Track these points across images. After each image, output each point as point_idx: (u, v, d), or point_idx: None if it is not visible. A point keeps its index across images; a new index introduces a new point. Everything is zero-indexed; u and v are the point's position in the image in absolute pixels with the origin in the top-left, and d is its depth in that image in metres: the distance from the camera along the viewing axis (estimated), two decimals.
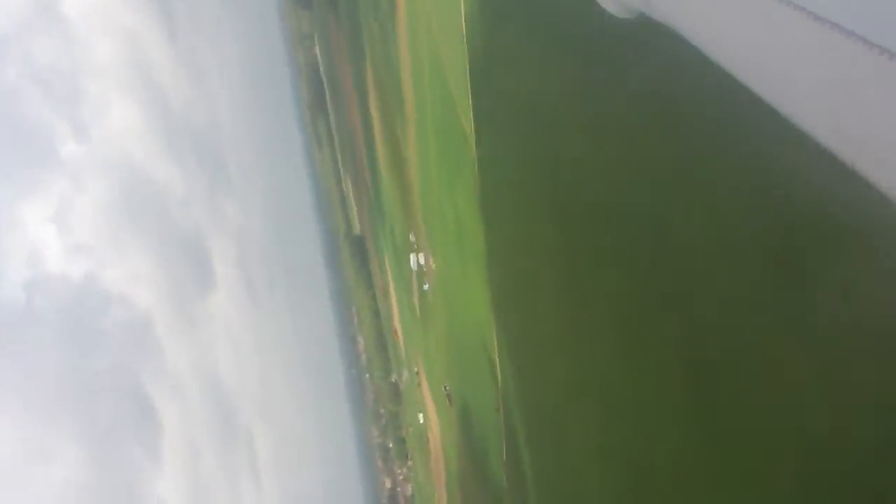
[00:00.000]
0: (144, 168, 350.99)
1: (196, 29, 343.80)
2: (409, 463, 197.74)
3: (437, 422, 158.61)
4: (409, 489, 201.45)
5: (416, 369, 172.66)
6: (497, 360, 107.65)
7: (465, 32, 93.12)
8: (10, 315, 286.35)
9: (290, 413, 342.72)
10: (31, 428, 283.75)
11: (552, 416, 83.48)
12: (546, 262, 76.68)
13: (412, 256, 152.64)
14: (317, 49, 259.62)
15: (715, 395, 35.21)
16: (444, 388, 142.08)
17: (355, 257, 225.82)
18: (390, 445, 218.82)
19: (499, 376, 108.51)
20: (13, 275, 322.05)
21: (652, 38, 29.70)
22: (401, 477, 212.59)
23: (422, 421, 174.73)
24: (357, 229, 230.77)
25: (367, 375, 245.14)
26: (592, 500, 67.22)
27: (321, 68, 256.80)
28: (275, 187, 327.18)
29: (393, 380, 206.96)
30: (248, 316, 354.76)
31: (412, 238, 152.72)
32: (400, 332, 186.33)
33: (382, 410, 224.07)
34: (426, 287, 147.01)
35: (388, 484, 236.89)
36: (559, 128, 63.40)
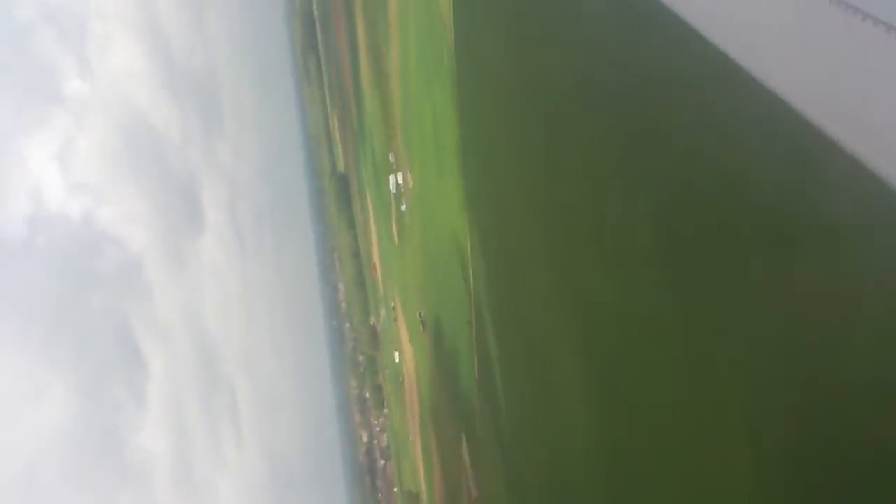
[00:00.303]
0: (144, 110, 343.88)
1: None
2: (385, 411, 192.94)
3: (411, 353, 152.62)
4: (384, 439, 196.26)
5: (392, 304, 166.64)
6: (471, 269, 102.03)
7: None
8: (10, 250, 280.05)
9: (271, 365, 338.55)
10: (26, 365, 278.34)
11: (526, 329, 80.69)
12: (522, 157, 72.15)
13: (391, 178, 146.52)
14: None
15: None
16: (419, 314, 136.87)
17: (339, 196, 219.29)
18: (367, 396, 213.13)
19: (471, 287, 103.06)
20: (16, 210, 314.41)
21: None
22: (377, 428, 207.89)
23: (397, 360, 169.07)
24: (341, 166, 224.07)
25: (347, 324, 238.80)
26: (567, 415, 63.42)
27: (314, 7, 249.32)
28: (266, 131, 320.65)
29: (371, 322, 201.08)
30: (235, 262, 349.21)
31: (392, 158, 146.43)
32: (378, 267, 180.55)
33: (361, 358, 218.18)
34: (403, 208, 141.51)
35: (364, 438, 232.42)
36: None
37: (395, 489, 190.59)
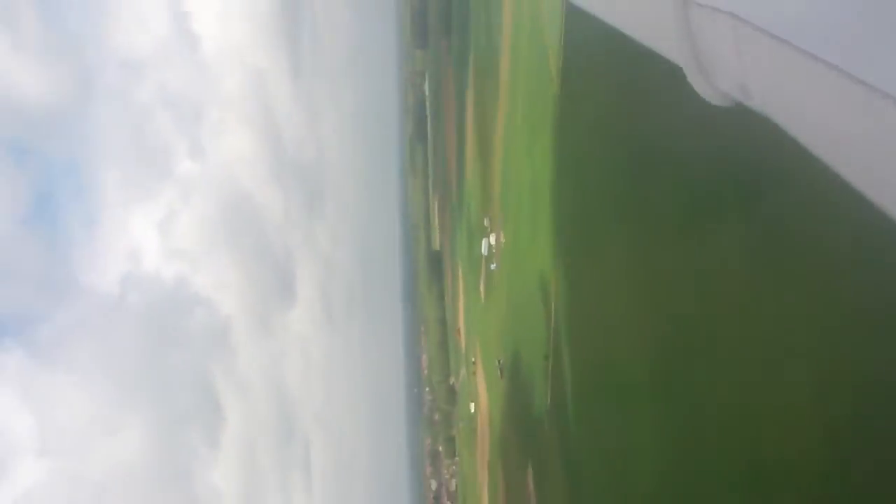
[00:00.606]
0: (250, 192, 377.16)
1: (318, 70, 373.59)
2: (456, 459, 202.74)
3: (486, 400, 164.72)
4: (453, 484, 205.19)
5: (473, 359, 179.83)
6: (553, 305, 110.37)
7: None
8: (104, 305, 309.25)
9: (347, 425, 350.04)
10: (105, 405, 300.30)
11: (603, 360, 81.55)
12: (615, 212, 76.44)
13: (484, 241, 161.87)
14: (426, 84, 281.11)
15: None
16: (498, 361, 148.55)
17: (430, 270, 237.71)
18: (440, 448, 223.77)
19: (552, 322, 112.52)
20: (112, 269, 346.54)
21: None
22: (447, 475, 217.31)
23: (473, 410, 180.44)
24: (436, 244, 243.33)
25: (427, 388, 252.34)
26: (639, 443, 65.90)
27: (427, 101, 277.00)
28: (366, 220, 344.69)
29: (451, 382, 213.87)
30: (322, 334, 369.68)
31: (486, 223, 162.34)
32: (462, 329, 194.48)
33: (437, 416, 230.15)
34: (493, 266, 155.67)
35: (433, 486, 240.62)
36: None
37: None
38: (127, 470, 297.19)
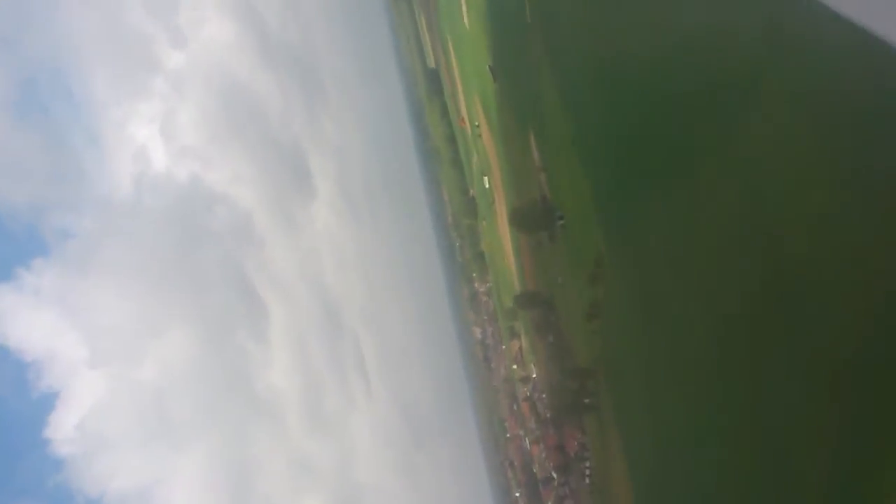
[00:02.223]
0: (244, 81, 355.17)
1: None
2: (489, 278, 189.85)
3: (494, 152, 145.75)
4: (490, 304, 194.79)
5: (476, 123, 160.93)
6: None
7: None
8: (123, 210, 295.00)
9: (392, 312, 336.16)
10: (146, 308, 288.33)
11: None
12: None
13: None
14: None
15: None
16: (489, 67, 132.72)
17: (430, 86, 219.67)
18: (474, 276, 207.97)
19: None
20: (122, 173, 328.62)
21: None
22: (482, 291, 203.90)
23: (487, 185, 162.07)
24: (431, 62, 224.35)
25: (455, 235, 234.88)
26: None
27: None
28: (364, 78, 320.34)
29: (470, 194, 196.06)
30: (348, 222, 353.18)
31: None
32: (460, 87, 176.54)
33: (467, 255, 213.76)
34: None
35: (478, 334, 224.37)
36: None
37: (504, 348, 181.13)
38: (183, 373, 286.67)
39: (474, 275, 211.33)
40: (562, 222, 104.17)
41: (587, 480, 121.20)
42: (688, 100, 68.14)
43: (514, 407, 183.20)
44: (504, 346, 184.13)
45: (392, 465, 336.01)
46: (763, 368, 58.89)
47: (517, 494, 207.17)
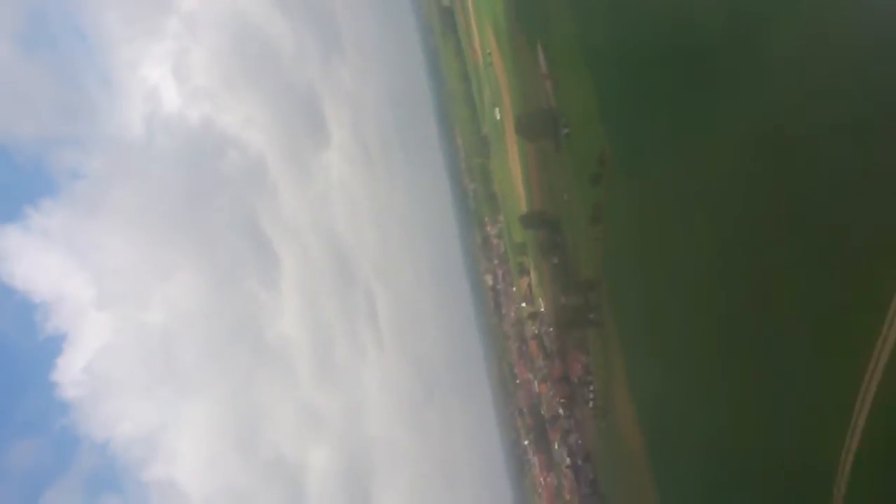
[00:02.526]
0: (256, 23, 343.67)
1: None
2: (500, 217, 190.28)
3: (504, 79, 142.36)
4: (502, 245, 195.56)
5: (488, 51, 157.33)
6: None
7: None
8: (133, 149, 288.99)
9: (405, 264, 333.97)
10: (154, 249, 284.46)
11: None
12: None
13: None
14: None
15: None
16: None
17: (445, 28, 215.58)
18: (486, 220, 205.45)
19: None
20: (133, 111, 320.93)
21: None
22: (493, 233, 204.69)
23: (498, 117, 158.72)
24: (445, 1, 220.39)
25: (468, 179, 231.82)
26: None
27: None
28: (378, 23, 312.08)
29: (483, 133, 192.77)
30: (363, 173, 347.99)
31: None
32: (474, 21, 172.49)
33: (481, 201, 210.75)
34: None
35: (490, 281, 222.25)
36: None
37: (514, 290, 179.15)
38: (191, 317, 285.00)
39: (486, 218, 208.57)
40: (567, 131, 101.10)
41: (591, 405, 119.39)
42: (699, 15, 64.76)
43: (523, 349, 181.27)
44: (514, 288, 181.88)
45: (402, 419, 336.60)
46: (767, 278, 56.82)
47: (526, 443, 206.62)
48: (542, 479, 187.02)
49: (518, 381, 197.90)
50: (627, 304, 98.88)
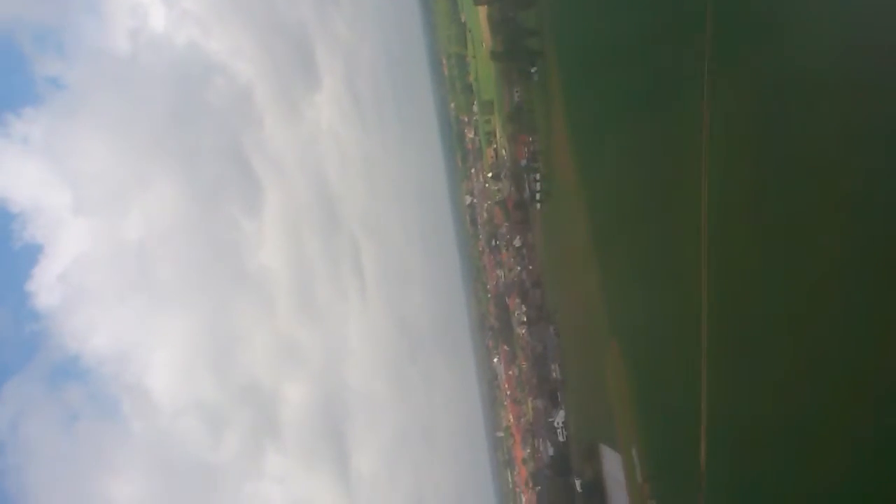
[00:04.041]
0: None
1: None
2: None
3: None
4: (477, 141, 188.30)
5: None
6: None
7: None
8: (118, 63, 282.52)
9: (393, 218, 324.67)
10: (135, 161, 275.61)
11: None
12: None
13: None
14: None
15: None
16: None
17: None
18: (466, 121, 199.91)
19: None
20: (118, 26, 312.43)
21: None
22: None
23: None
24: None
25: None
26: None
27: None
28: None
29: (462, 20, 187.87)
30: (354, 125, 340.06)
31: None
32: None
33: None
34: None
35: (468, 200, 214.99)
36: None
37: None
38: (170, 232, 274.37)
39: (464, 118, 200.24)
40: None
41: (538, 188, 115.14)
42: None
43: (494, 243, 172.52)
44: (489, 178, 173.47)
45: (382, 374, 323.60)
46: None
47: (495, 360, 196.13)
48: (506, 385, 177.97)
49: (489, 287, 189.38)
50: (567, 40, 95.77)
